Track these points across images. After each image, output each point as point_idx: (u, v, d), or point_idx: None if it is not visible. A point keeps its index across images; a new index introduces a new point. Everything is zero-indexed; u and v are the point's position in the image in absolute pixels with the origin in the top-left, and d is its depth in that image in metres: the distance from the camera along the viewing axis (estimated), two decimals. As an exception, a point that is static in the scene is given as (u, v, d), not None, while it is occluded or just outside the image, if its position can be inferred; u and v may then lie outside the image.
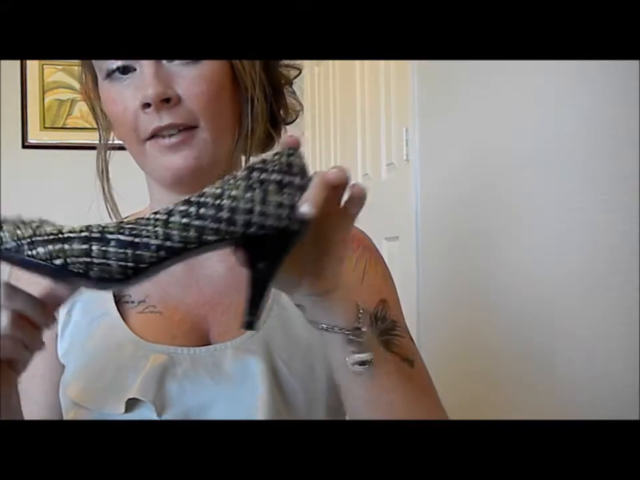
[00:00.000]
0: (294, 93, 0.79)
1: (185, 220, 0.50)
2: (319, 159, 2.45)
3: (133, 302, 0.72)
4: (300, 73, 0.79)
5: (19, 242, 0.49)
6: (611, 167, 0.89)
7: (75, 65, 2.62)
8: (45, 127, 2.63)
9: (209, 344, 0.70)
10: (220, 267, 0.74)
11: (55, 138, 2.62)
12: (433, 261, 1.54)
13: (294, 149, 0.53)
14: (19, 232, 0.49)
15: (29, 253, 0.49)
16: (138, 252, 0.49)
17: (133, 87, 0.66)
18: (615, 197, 0.88)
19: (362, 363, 0.59)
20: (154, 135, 0.66)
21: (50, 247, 0.49)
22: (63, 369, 0.71)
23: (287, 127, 0.80)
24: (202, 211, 0.50)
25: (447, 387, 1.40)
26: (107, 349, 0.69)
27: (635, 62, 0.81)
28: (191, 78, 0.66)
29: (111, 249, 0.49)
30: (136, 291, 0.72)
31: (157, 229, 0.50)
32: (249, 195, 0.51)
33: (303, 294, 0.57)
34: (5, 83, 2.53)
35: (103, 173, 0.75)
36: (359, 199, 0.55)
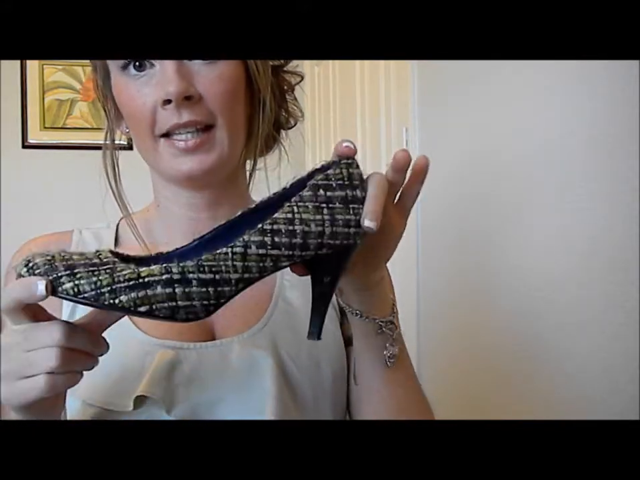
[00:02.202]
0: (295, 99, 0.80)
1: (261, 251, 0.50)
2: (319, 159, 2.45)
3: None
4: (302, 79, 0.80)
5: (98, 291, 0.46)
6: (611, 167, 0.89)
7: (75, 65, 2.62)
8: (45, 127, 2.63)
9: (214, 339, 0.70)
10: None
11: (55, 138, 2.62)
12: (433, 260, 1.54)
13: (350, 158, 0.53)
14: (95, 279, 0.47)
15: (111, 301, 0.47)
16: (219, 288, 0.49)
17: (153, 83, 0.66)
18: (615, 197, 0.88)
19: (391, 357, 0.62)
20: (169, 133, 0.66)
21: (132, 294, 0.47)
22: None
23: (288, 129, 0.81)
24: (276, 239, 0.50)
25: (447, 386, 1.40)
26: (113, 346, 0.69)
27: (635, 62, 0.81)
28: (211, 78, 0.66)
29: (193, 289, 0.48)
30: None
31: (235, 263, 0.49)
32: (318, 217, 0.51)
33: (348, 280, 0.59)
34: (4, 83, 2.54)
35: (115, 170, 0.75)
36: (420, 174, 0.58)
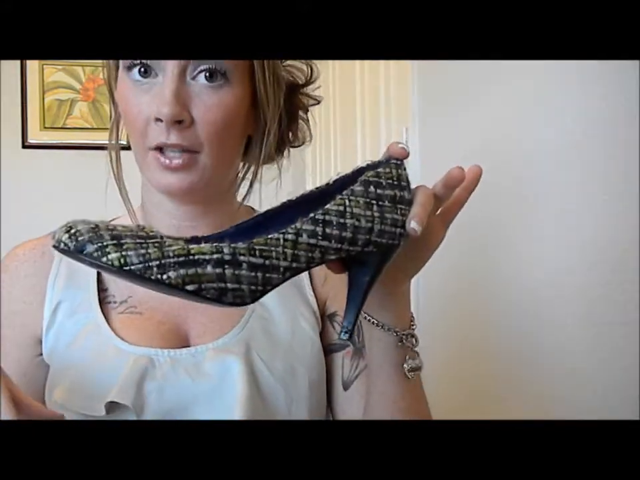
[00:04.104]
0: (307, 120, 0.80)
1: (312, 240, 0.48)
2: (319, 159, 2.45)
3: (115, 302, 0.72)
4: (318, 103, 0.80)
5: (146, 264, 0.43)
6: (611, 167, 0.89)
7: (75, 65, 2.62)
8: (45, 127, 2.63)
9: (188, 346, 0.70)
10: None
11: (55, 138, 2.62)
12: (433, 260, 1.54)
13: (400, 160, 0.53)
14: (143, 251, 0.43)
15: (158, 277, 0.43)
16: (267, 275, 0.47)
17: (152, 94, 0.66)
18: (615, 197, 0.88)
19: (412, 370, 0.61)
20: (157, 148, 0.67)
21: (182, 270, 0.44)
22: (47, 369, 0.72)
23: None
24: (327, 230, 0.49)
25: (448, 385, 1.40)
26: (90, 351, 0.69)
27: (635, 62, 0.81)
28: (209, 104, 0.66)
29: (243, 272, 0.46)
30: (120, 292, 0.72)
31: (286, 250, 0.47)
32: (369, 213, 0.51)
33: (377, 286, 0.58)
34: (4, 83, 2.53)
35: (120, 161, 0.75)
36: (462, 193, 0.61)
